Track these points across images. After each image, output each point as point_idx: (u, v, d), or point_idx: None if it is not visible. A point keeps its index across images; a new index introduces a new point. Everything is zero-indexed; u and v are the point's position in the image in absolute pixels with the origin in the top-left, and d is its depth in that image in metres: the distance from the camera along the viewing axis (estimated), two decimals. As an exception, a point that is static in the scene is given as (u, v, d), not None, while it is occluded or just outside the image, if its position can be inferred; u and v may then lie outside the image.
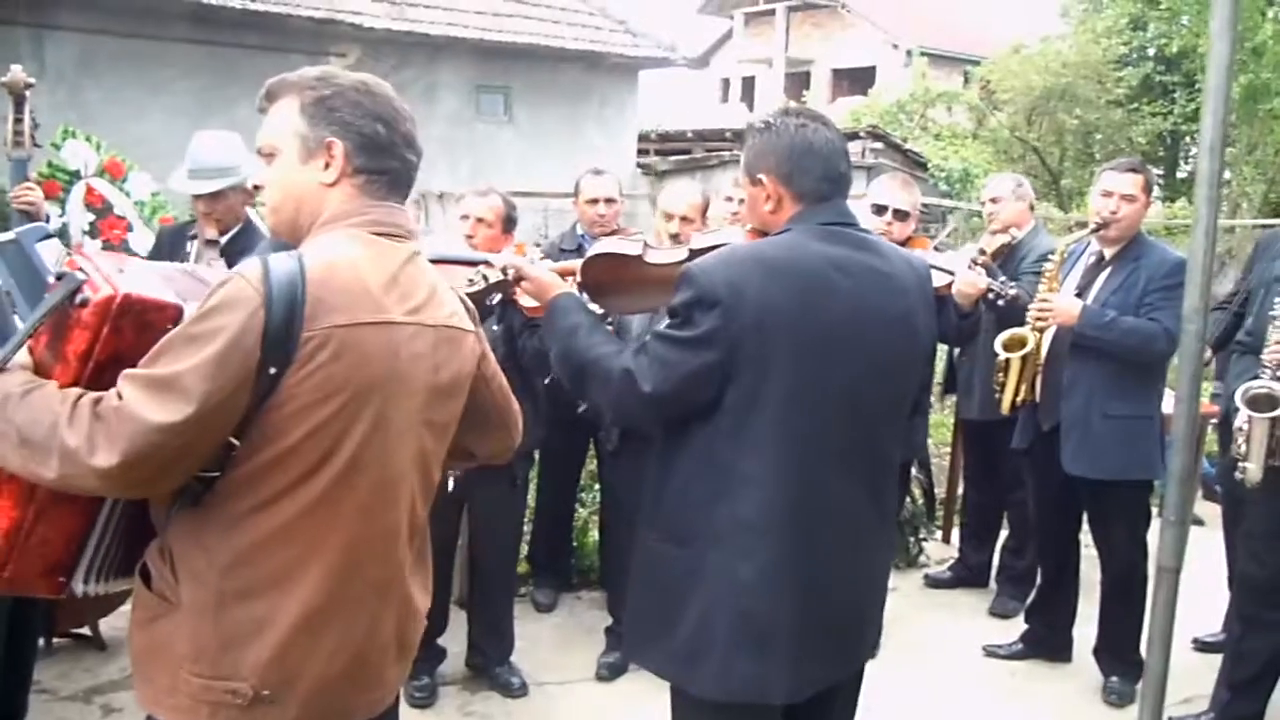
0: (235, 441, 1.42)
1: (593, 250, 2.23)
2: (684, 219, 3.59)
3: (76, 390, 1.41)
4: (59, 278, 1.47)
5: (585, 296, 2.18)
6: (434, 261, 2.66)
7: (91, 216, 4.87)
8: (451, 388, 1.64)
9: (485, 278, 2.30)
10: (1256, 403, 2.97)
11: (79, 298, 1.43)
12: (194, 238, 3.56)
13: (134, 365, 1.40)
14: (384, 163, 1.58)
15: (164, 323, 1.46)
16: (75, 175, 4.88)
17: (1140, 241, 3.59)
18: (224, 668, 1.45)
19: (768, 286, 1.77)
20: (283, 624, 1.46)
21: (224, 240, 3.47)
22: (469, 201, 3.51)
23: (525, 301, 2.79)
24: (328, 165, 1.55)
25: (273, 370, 1.39)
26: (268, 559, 1.45)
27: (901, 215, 3.82)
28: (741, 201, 3.87)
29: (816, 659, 1.89)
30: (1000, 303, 3.61)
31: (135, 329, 1.46)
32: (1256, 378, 3.02)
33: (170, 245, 3.70)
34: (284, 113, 1.57)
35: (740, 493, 1.81)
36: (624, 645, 2.13)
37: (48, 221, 3.67)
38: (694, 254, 2.07)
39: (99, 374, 1.44)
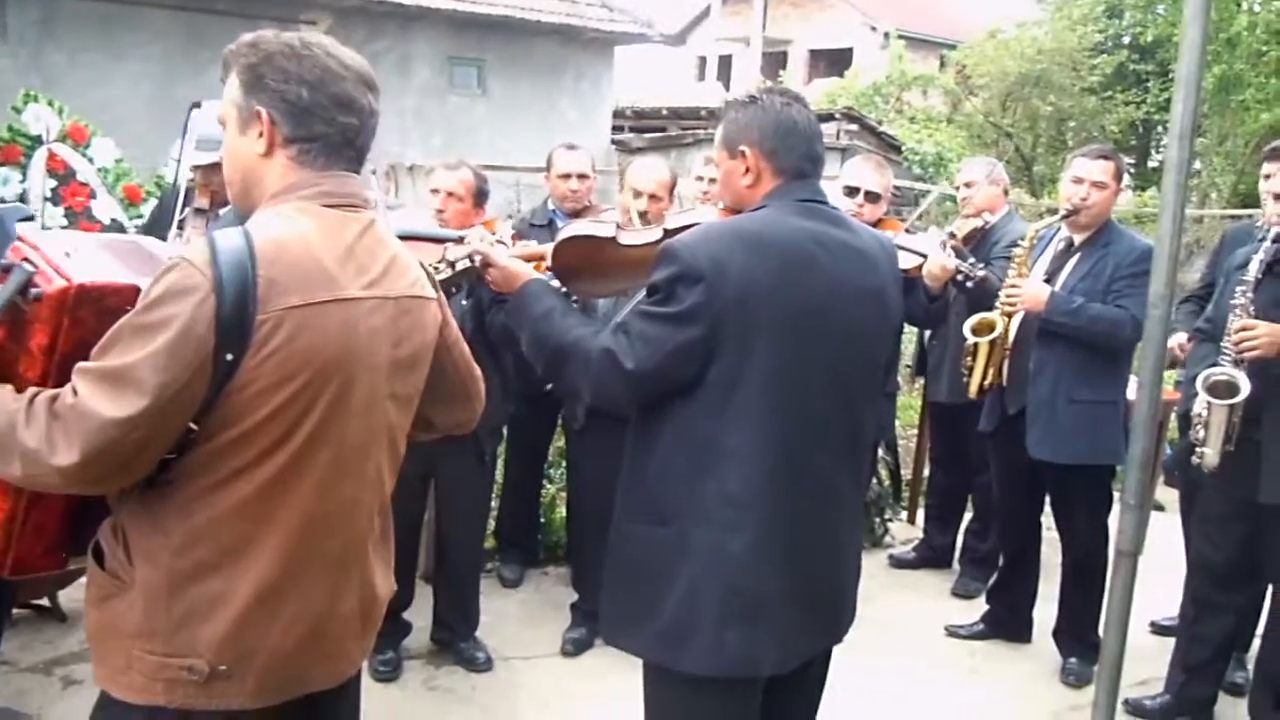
0: (194, 426, 1.40)
1: (564, 234, 2.20)
2: (652, 196, 3.56)
3: (32, 390, 1.38)
4: (5, 270, 1.42)
5: (555, 281, 2.16)
6: (402, 238, 2.66)
7: (54, 183, 4.78)
8: (413, 359, 1.62)
9: (452, 266, 2.27)
10: (1216, 389, 3.00)
11: (31, 292, 1.40)
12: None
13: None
14: (311, 128, 1.51)
15: (123, 304, 1.43)
16: (37, 140, 4.79)
17: (1110, 229, 3.61)
18: (179, 645, 1.43)
19: (749, 261, 1.78)
20: (238, 600, 1.44)
21: (221, 214, 3.42)
22: (439, 175, 3.48)
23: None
24: (260, 135, 1.51)
25: (229, 356, 1.36)
26: (222, 536, 1.43)
27: (873, 197, 3.84)
28: (713, 181, 3.89)
29: (802, 630, 1.92)
30: (969, 284, 3.64)
31: (95, 315, 1.43)
32: (1216, 364, 3.06)
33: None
34: (230, 83, 1.54)
35: (724, 468, 1.82)
36: (602, 629, 2.12)
37: None
38: (668, 233, 2.06)
39: (66, 363, 1.41)
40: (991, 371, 3.71)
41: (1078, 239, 3.63)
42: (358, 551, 1.59)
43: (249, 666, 1.46)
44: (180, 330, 1.33)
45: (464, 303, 3.28)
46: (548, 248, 2.34)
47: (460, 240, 2.74)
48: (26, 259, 1.44)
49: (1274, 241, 3.08)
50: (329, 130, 1.52)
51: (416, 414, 1.73)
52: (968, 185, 4.40)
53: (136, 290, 1.44)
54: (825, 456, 1.90)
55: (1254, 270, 3.06)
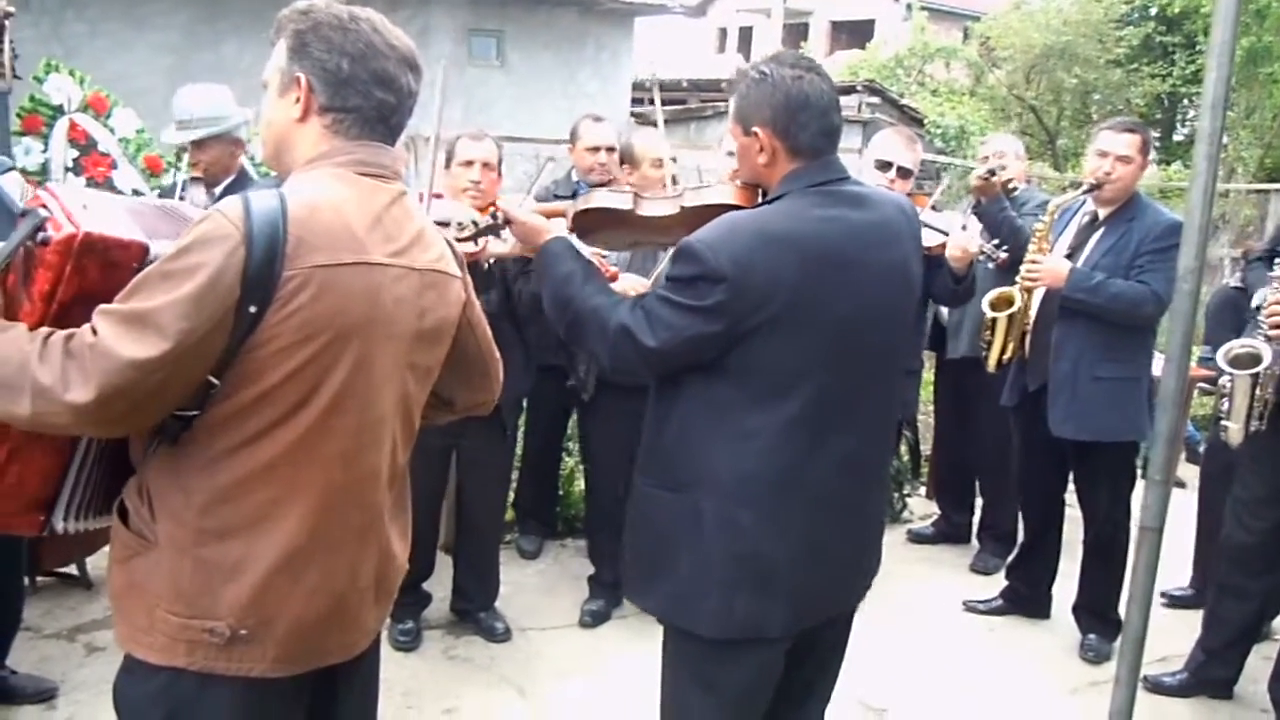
0: (215, 381, 1.40)
1: (581, 204, 2.20)
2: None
3: (45, 329, 1.38)
4: (23, 215, 1.43)
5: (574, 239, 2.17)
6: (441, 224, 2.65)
7: (75, 153, 4.79)
8: (436, 332, 1.63)
9: (475, 223, 2.28)
10: (1239, 361, 2.97)
11: (40, 236, 1.40)
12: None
13: (100, 304, 1.37)
14: (348, 100, 1.53)
15: (129, 260, 1.44)
16: (59, 110, 4.78)
17: (1136, 202, 3.54)
18: (201, 607, 1.44)
19: (773, 261, 1.77)
20: (261, 564, 1.45)
21: (218, 191, 3.40)
22: (471, 146, 3.35)
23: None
24: (297, 100, 1.53)
25: (253, 309, 1.37)
26: (246, 499, 1.44)
27: (905, 173, 3.81)
28: (734, 172, 3.87)
29: (815, 594, 1.93)
30: (990, 265, 3.63)
31: (100, 267, 1.42)
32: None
33: None
34: (277, 48, 1.57)
35: (741, 446, 1.82)
36: (623, 585, 2.15)
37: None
38: (685, 211, 2.05)
39: (64, 314, 1.41)
40: (1011, 345, 3.68)
41: (1102, 213, 3.58)
42: (377, 523, 1.59)
43: (270, 633, 1.47)
44: (208, 278, 1.34)
45: (490, 295, 3.24)
46: (567, 205, 2.34)
47: (498, 234, 2.72)
48: (44, 205, 1.45)
49: None
50: (364, 104, 1.54)
51: (436, 394, 1.74)
52: (999, 157, 4.31)
53: (145, 249, 1.45)
54: (846, 436, 1.89)
55: None
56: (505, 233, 2.70)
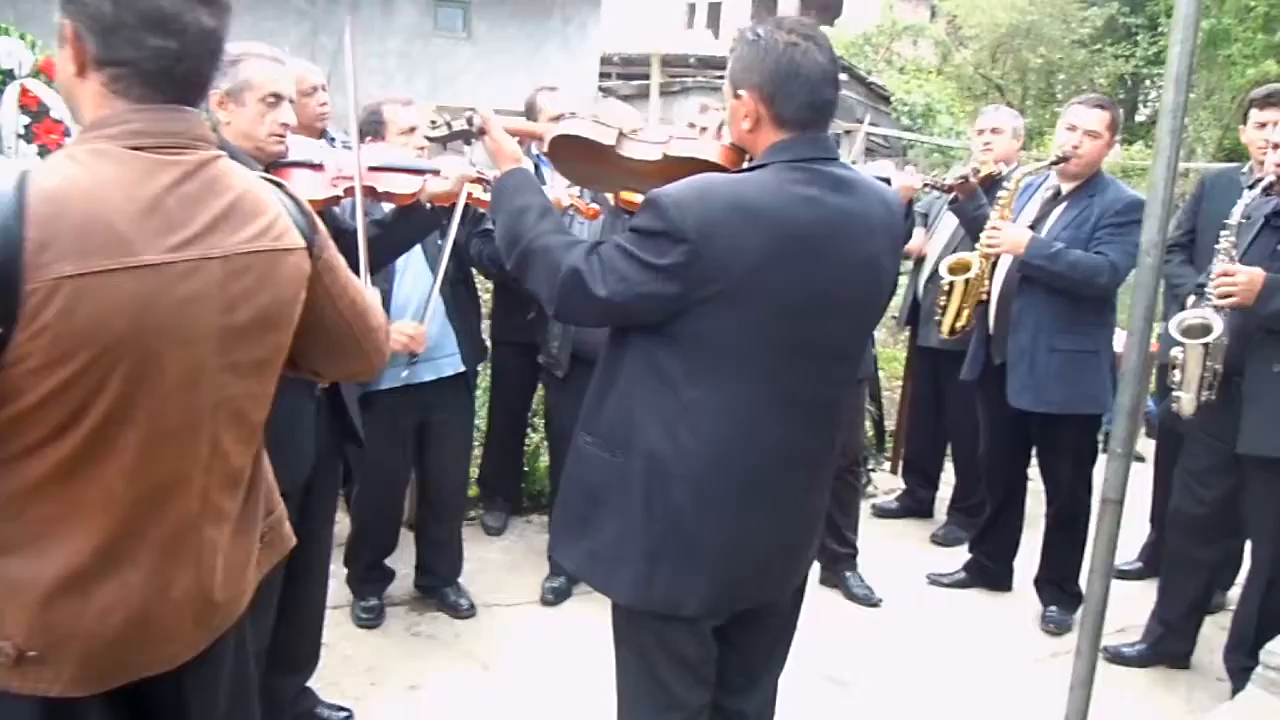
0: None
1: (563, 128, 2.10)
2: None
3: None
4: None
5: (548, 164, 2.10)
6: (377, 169, 2.60)
7: (26, 119, 4.66)
8: (260, 323, 1.42)
9: (449, 124, 2.22)
10: (1191, 332, 3.00)
11: None
12: None
13: None
14: (118, 51, 1.29)
15: None
16: (9, 75, 4.65)
17: (1099, 179, 3.57)
18: None
19: (739, 233, 1.71)
20: (42, 584, 1.31)
21: None
22: (406, 113, 3.25)
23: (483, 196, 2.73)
24: (71, 54, 1.32)
25: None
26: (19, 517, 1.30)
27: None
28: (704, 130, 3.83)
29: (739, 583, 1.89)
30: (936, 193, 3.69)
31: None
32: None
33: None
34: None
35: (683, 417, 1.78)
36: (550, 538, 2.12)
37: None
38: (668, 160, 1.99)
39: None
40: (965, 312, 3.70)
41: (1065, 188, 3.60)
42: (190, 535, 1.42)
43: (63, 654, 1.34)
44: None
45: (440, 242, 3.19)
46: (544, 128, 2.28)
47: (438, 172, 2.69)
48: None
49: (1265, 192, 3.06)
50: (137, 55, 1.29)
51: (299, 366, 1.60)
52: (994, 131, 4.26)
53: None
54: (789, 421, 1.84)
55: (1237, 214, 3.05)
56: (447, 170, 2.67)
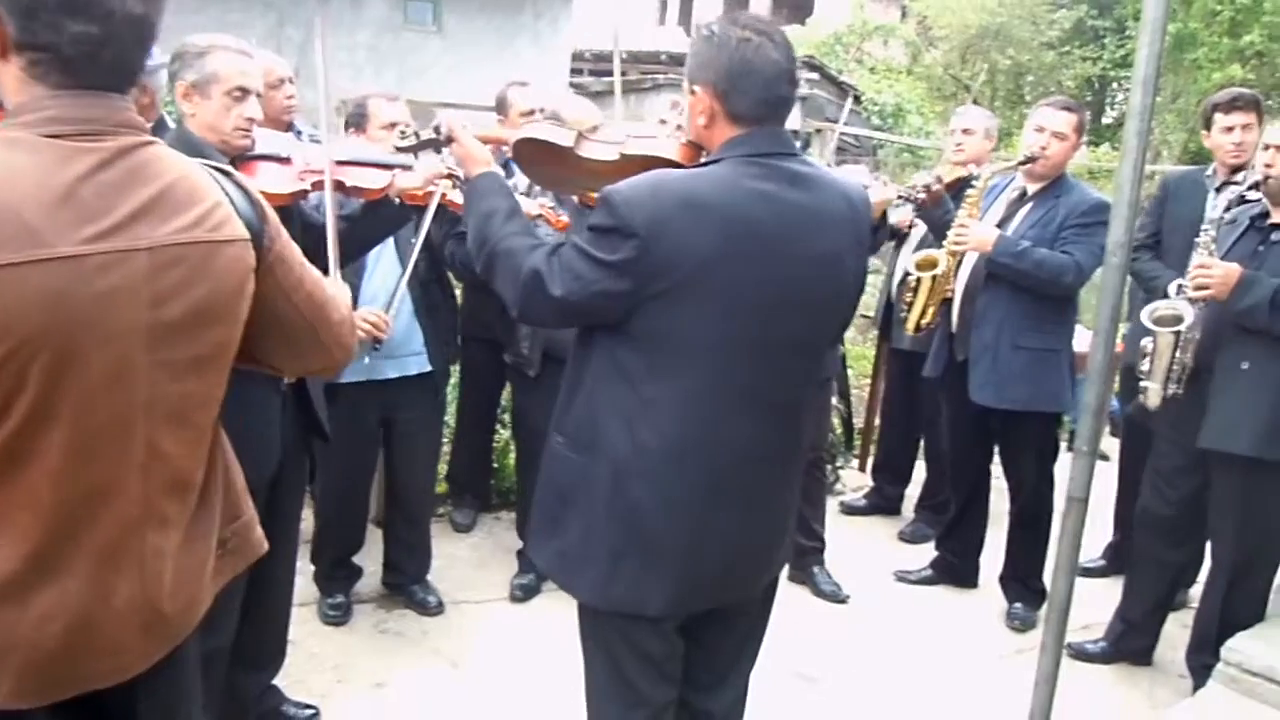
0: None
1: (524, 133, 2.13)
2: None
3: None
4: None
5: (515, 166, 2.12)
6: (345, 163, 2.58)
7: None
8: (196, 317, 1.35)
9: (417, 134, 2.23)
10: (1163, 321, 3.04)
11: None
12: None
13: None
14: (37, 35, 1.23)
15: None
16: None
17: (1064, 181, 3.62)
18: None
19: (690, 228, 1.70)
20: None
21: None
22: (390, 108, 3.26)
23: (458, 199, 2.72)
24: None
25: None
26: None
27: (794, 135, 3.76)
28: (679, 128, 3.82)
29: (702, 584, 1.88)
30: (910, 204, 3.70)
31: None
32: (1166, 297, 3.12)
33: None
34: None
35: (643, 415, 1.78)
36: (527, 538, 2.13)
37: None
38: (625, 158, 2.00)
39: None
40: (931, 310, 3.73)
41: (1031, 189, 3.64)
42: (130, 541, 1.36)
43: (3, 665, 1.29)
44: None
45: (412, 240, 3.18)
46: (509, 133, 2.30)
47: (408, 168, 2.67)
48: None
49: (1249, 188, 3.10)
50: (57, 39, 1.23)
51: (258, 360, 1.54)
52: (965, 132, 4.27)
53: None
54: (750, 419, 1.83)
55: (1219, 209, 3.09)
56: (416, 165, 2.66)
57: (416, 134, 2.24)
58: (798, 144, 3.56)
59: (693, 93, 1.84)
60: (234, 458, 1.59)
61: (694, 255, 1.71)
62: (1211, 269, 2.94)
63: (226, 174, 1.46)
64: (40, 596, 1.30)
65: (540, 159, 2.13)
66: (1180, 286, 3.06)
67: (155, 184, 1.31)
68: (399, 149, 2.32)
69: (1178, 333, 3.00)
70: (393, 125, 3.16)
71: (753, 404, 1.83)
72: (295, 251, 1.54)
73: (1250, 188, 3.11)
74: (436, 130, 2.15)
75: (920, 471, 4.82)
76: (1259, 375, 2.94)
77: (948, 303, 3.77)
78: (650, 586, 1.83)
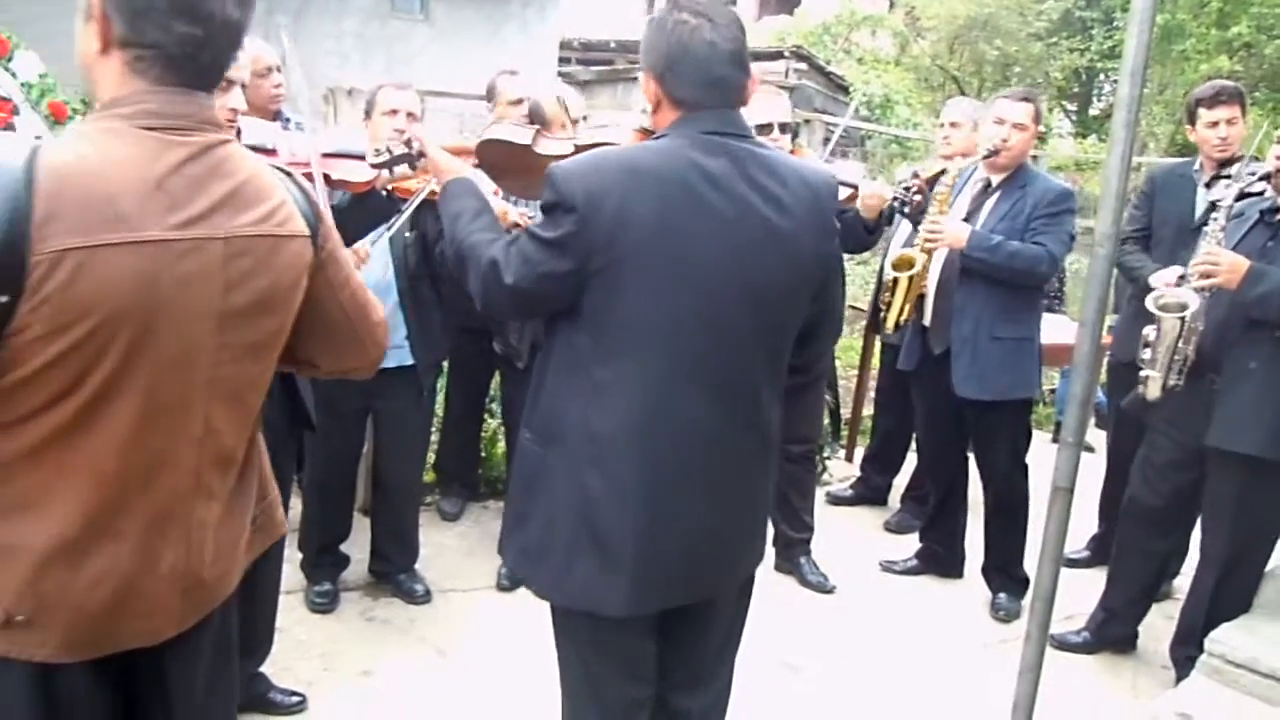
0: None
1: (484, 134, 2.17)
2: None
3: None
4: None
5: (485, 175, 2.15)
6: (331, 155, 2.57)
7: (-26, 96, 4.54)
8: (258, 306, 1.44)
9: (389, 150, 2.26)
10: (1168, 309, 3.03)
11: None
12: None
13: None
14: (145, 34, 1.32)
15: None
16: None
17: (1025, 170, 3.66)
18: None
19: (628, 198, 1.69)
20: (33, 551, 1.34)
21: None
22: (396, 95, 3.21)
23: None
24: (97, 30, 1.34)
25: (4, 298, 1.22)
26: (13, 483, 1.33)
27: (785, 128, 3.70)
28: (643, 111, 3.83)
29: (662, 580, 1.84)
30: (906, 209, 3.70)
31: None
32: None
33: None
34: None
35: (595, 401, 1.76)
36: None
37: None
38: (578, 149, 2.01)
39: None
40: (908, 307, 3.75)
41: (995, 179, 3.67)
42: (179, 511, 1.45)
43: (52, 620, 1.37)
44: None
45: (407, 235, 3.18)
46: (472, 142, 2.31)
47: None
48: None
49: (1261, 178, 3.10)
50: (164, 38, 1.32)
51: (298, 358, 1.62)
52: (953, 125, 4.28)
53: None
54: (704, 406, 1.79)
55: (1230, 198, 3.06)
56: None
57: (389, 150, 2.28)
58: (786, 135, 3.57)
59: (644, 78, 1.84)
60: (264, 442, 1.66)
61: (635, 226, 1.69)
62: (1219, 258, 2.95)
63: (288, 174, 1.56)
64: (93, 560, 1.37)
65: (504, 164, 2.16)
66: (1183, 277, 3.06)
67: (233, 179, 1.40)
68: (373, 165, 2.35)
69: (1182, 318, 2.99)
70: (394, 112, 3.16)
71: (705, 388, 1.79)
72: (344, 252, 1.64)
73: (1261, 179, 3.11)
74: (409, 144, 2.21)
75: (911, 462, 4.83)
76: (1266, 375, 2.95)
77: (920, 297, 3.78)
78: (607, 584, 1.80)
